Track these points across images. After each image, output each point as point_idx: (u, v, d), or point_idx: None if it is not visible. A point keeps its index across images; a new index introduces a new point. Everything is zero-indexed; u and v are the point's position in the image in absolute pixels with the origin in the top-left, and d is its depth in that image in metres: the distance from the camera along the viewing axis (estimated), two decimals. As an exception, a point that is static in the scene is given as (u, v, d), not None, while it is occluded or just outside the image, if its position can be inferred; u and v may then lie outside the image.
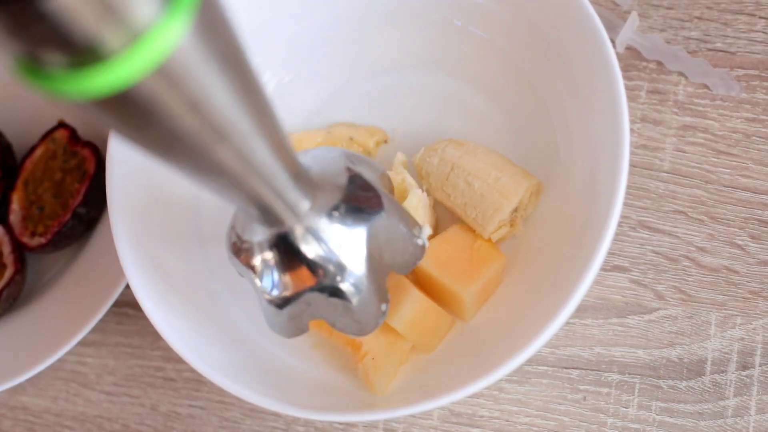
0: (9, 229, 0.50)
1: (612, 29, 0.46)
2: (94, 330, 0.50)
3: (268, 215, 0.30)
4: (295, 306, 0.33)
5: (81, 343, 0.50)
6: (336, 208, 0.32)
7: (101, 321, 0.49)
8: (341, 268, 0.32)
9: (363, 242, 0.32)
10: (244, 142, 0.23)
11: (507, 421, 0.44)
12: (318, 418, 0.35)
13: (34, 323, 0.50)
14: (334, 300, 0.33)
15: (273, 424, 0.47)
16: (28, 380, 0.50)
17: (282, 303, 0.33)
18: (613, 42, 0.44)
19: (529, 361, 0.44)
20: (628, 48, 0.47)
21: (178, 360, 0.48)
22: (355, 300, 0.33)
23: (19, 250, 0.50)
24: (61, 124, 0.52)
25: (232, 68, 0.20)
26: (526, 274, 0.40)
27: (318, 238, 0.31)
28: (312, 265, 0.32)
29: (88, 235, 0.51)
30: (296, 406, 0.35)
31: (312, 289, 0.32)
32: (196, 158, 0.22)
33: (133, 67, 0.16)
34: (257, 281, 0.33)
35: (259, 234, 0.32)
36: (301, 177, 0.30)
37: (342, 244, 0.32)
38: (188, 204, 0.43)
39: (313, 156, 0.34)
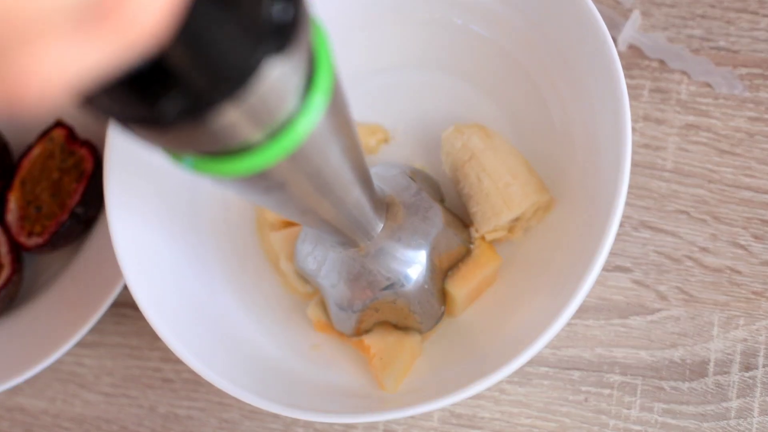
0: (6, 229, 0.50)
1: (614, 27, 0.46)
2: (92, 331, 0.49)
3: (347, 240, 0.34)
4: (363, 312, 0.37)
5: (79, 344, 0.50)
6: (403, 227, 0.36)
7: (99, 321, 0.49)
8: (407, 280, 0.36)
9: (425, 255, 0.37)
10: (346, 189, 0.27)
11: (508, 422, 0.44)
12: (317, 420, 0.35)
13: (31, 324, 0.50)
14: (401, 305, 0.37)
15: (272, 425, 0.47)
16: (26, 381, 0.50)
17: (351, 310, 0.37)
18: (615, 40, 0.44)
19: (531, 362, 0.44)
20: (631, 46, 0.46)
21: (177, 361, 0.48)
22: (418, 306, 0.37)
23: (17, 250, 0.50)
24: (59, 123, 0.51)
25: (345, 135, 0.23)
26: (527, 274, 0.40)
27: (386, 255, 0.36)
28: (380, 279, 0.36)
29: (86, 235, 0.51)
30: (295, 407, 0.34)
31: (379, 299, 0.37)
32: (303, 208, 0.26)
33: (272, 155, 0.19)
34: (328, 290, 0.37)
35: (331, 250, 0.36)
36: (379, 204, 0.34)
37: (407, 258, 0.36)
38: (187, 204, 0.42)
39: (377, 176, 0.37)
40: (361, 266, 0.36)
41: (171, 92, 0.16)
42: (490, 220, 0.39)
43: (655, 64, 0.46)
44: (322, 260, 0.37)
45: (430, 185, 0.40)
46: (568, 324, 0.44)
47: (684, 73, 0.46)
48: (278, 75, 0.17)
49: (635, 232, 0.44)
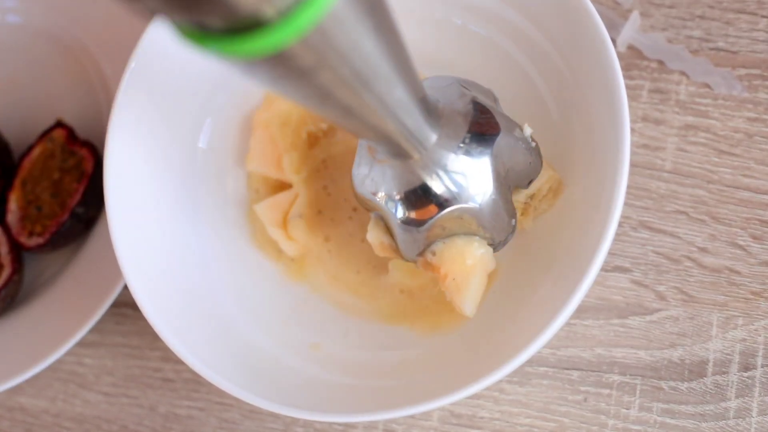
0: (6, 229, 0.50)
1: (613, 28, 0.46)
2: (92, 330, 0.50)
3: (399, 150, 0.32)
4: (430, 231, 0.35)
5: (79, 344, 0.50)
6: (461, 137, 0.33)
7: (100, 321, 0.49)
8: (471, 191, 0.34)
9: (488, 165, 0.34)
10: (386, 85, 0.25)
11: (507, 422, 0.44)
12: (317, 419, 0.35)
13: (32, 323, 0.50)
14: (468, 220, 0.35)
15: (272, 425, 0.47)
16: (26, 381, 0.50)
17: (417, 229, 0.35)
18: (614, 41, 0.44)
19: (530, 362, 0.44)
20: (630, 47, 0.46)
21: (177, 361, 0.48)
22: (487, 220, 0.35)
23: (17, 249, 0.50)
24: (59, 124, 0.51)
25: (378, 17, 0.21)
26: (526, 273, 0.40)
27: (445, 165, 0.33)
28: (441, 192, 0.34)
29: (87, 234, 0.51)
30: (295, 406, 0.34)
31: (443, 215, 0.34)
32: (344, 104, 0.24)
33: (287, 33, 0.18)
34: (390, 212, 0.35)
35: (387, 165, 0.34)
36: (431, 111, 0.32)
37: (469, 170, 0.34)
38: (187, 205, 0.42)
39: (431, 87, 0.35)
40: (420, 180, 0.33)
41: None
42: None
43: (654, 65, 0.46)
44: (380, 180, 0.34)
45: (483, 93, 0.38)
46: (568, 324, 0.44)
47: (683, 73, 0.46)
48: None
49: (634, 233, 0.44)
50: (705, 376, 0.42)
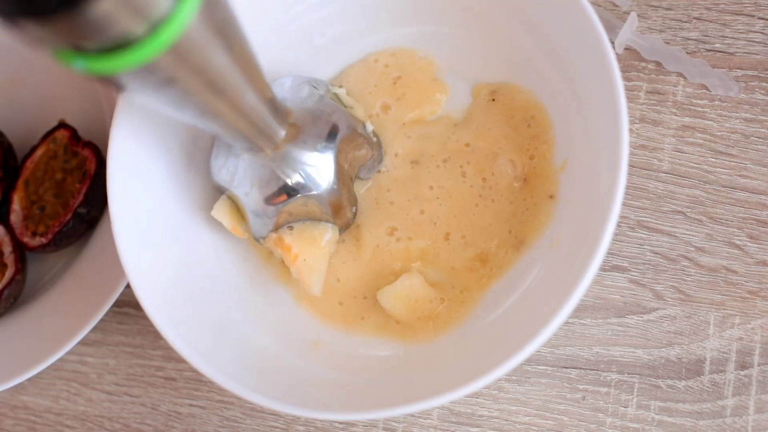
0: (10, 229, 0.51)
1: (611, 30, 0.46)
2: (94, 329, 0.50)
3: (251, 145, 0.35)
4: (278, 216, 0.39)
5: (82, 343, 0.50)
6: (308, 133, 0.37)
7: (102, 320, 0.49)
8: (315, 182, 0.38)
9: (332, 158, 0.38)
10: (237, 93, 0.28)
11: (506, 420, 0.44)
12: (318, 417, 0.35)
13: (34, 323, 0.50)
14: (313, 207, 0.39)
15: (273, 423, 0.47)
16: (29, 379, 0.51)
17: (266, 215, 0.39)
18: (612, 43, 0.44)
19: (529, 361, 0.44)
20: (628, 49, 0.47)
21: (179, 359, 0.49)
22: (329, 207, 0.39)
23: (20, 249, 0.50)
24: (62, 125, 0.52)
25: (228, 35, 0.25)
26: (524, 273, 0.40)
27: (292, 159, 0.37)
28: (288, 183, 0.37)
29: (89, 234, 0.51)
30: (296, 405, 0.35)
31: (291, 202, 0.38)
32: (199, 109, 0.28)
33: (152, 49, 0.21)
34: (243, 198, 0.38)
35: (241, 158, 0.38)
36: (279, 110, 0.35)
37: (315, 162, 0.37)
38: (188, 205, 0.43)
39: (280, 85, 0.39)
40: (270, 171, 0.37)
41: None
42: None
43: (651, 66, 0.46)
44: (234, 170, 0.38)
45: (324, 88, 0.42)
46: (566, 323, 0.44)
47: (680, 75, 0.46)
48: None
49: (632, 232, 0.45)
50: (702, 375, 0.43)
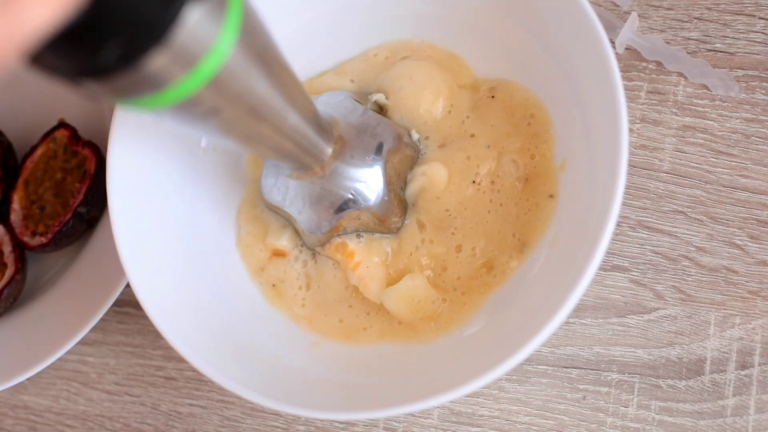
0: (10, 229, 0.51)
1: (612, 30, 0.46)
2: (95, 329, 0.50)
3: (299, 164, 0.36)
4: (330, 230, 0.39)
5: (82, 342, 0.50)
6: (353, 146, 0.38)
7: (102, 320, 0.49)
8: (365, 196, 0.38)
9: (380, 171, 0.38)
10: (280, 114, 0.29)
11: (507, 420, 0.44)
12: (318, 417, 0.35)
13: (35, 322, 0.50)
14: (366, 219, 0.39)
15: (274, 423, 0.47)
16: (30, 379, 0.51)
17: (320, 231, 0.39)
18: (612, 43, 0.44)
19: (529, 361, 0.44)
20: (628, 48, 0.47)
21: (179, 359, 0.49)
22: (380, 217, 0.39)
23: (20, 249, 0.50)
24: (62, 124, 0.52)
25: (266, 63, 0.25)
26: (524, 273, 0.40)
27: (341, 175, 0.37)
28: (340, 198, 0.38)
29: (89, 234, 0.51)
30: (296, 404, 0.35)
31: (343, 216, 0.39)
32: (244, 134, 0.28)
33: (193, 84, 0.22)
34: (296, 217, 0.39)
35: (290, 178, 0.38)
36: (324, 128, 0.35)
37: (362, 176, 0.38)
38: (188, 204, 0.43)
39: (323, 102, 0.39)
40: (321, 188, 0.38)
41: (107, 42, 0.19)
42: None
43: (652, 66, 0.46)
44: (285, 190, 0.39)
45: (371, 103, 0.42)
46: (566, 323, 0.44)
47: (681, 75, 0.46)
48: (197, 18, 0.20)
49: (632, 232, 0.45)
50: (702, 375, 0.43)
